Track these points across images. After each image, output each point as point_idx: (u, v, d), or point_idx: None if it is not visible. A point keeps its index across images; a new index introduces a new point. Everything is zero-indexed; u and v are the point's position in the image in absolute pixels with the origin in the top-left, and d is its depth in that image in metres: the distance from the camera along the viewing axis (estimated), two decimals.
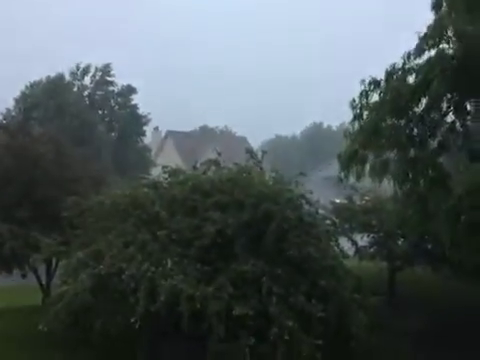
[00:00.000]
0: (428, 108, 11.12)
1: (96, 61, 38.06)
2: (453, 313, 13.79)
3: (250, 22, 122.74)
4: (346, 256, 12.27)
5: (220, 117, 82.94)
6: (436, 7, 11.46)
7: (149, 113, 39.50)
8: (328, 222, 12.69)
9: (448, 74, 10.26)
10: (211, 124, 71.55)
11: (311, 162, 60.28)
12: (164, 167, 13.07)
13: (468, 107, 11.49)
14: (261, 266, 10.22)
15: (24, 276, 14.49)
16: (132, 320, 9.46)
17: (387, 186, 12.42)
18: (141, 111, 38.81)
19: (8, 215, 13.68)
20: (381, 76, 11.39)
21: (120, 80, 38.39)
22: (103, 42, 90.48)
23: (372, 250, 15.56)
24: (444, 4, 11.36)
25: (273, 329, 9.43)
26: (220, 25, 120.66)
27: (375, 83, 11.41)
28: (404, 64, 11.24)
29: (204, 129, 70.42)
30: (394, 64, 11.31)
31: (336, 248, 11.87)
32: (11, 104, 37.27)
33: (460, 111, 11.29)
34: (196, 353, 9.85)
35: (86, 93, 38.18)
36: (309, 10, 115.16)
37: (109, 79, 37.82)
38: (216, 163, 12.75)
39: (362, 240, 15.78)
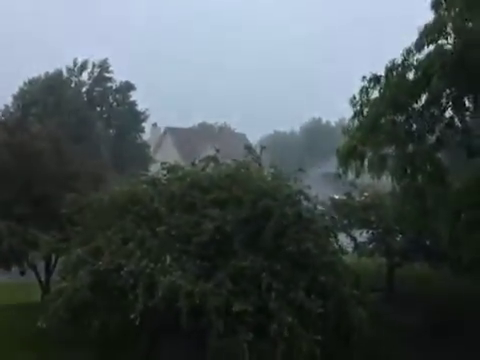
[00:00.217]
0: (427, 104, 11.12)
1: (94, 57, 37.99)
2: (451, 309, 13.82)
3: (250, 17, 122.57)
4: (345, 252, 12.28)
5: (219, 114, 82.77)
6: (436, 6, 11.45)
7: (147, 109, 39.47)
8: (327, 218, 12.68)
9: (447, 70, 10.25)
10: (210, 121, 71.53)
11: (310, 158, 60.25)
12: (163, 163, 13.04)
13: (467, 103, 11.48)
14: (260, 262, 10.21)
15: (23, 273, 14.48)
16: (132, 316, 9.45)
17: (386, 182, 12.43)
18: (139, 107, 38.78)
19: (6, 212, 13.66)
20: (380, 72, 11.40)
21: (118, 76, 38.36)
22: (101, 38, 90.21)
23: (371, 246, 15.57)
24: (444, 3, 11.35)
25: (273, 325, 9.44)
26: (220, 21, 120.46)
27: (375, 79, 11.40)
28: (404, 60, 11.24)
29: (203, 125, 70.35)
30: (394, 60, 11.31)
31: (335, 244, 11.87)
32: (9, 101, 37.24)
33: (459, 107, 11.29)
34: (195, 349, 9.86)
35: (84, 89, 38.10)
36: (310, 5, 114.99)
37: (107, 75, 37.73)
38: (215, 159, 12.73)
39: (361, 236, 15.79)
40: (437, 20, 11.17)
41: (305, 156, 63.45)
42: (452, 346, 12.49)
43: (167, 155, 38.51)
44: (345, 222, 15.42)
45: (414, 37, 11.18)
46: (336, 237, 12.10)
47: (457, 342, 12.58)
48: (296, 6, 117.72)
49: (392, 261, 15.58)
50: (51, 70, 36.96)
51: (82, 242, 11.31)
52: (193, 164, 13.14)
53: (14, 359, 11.42)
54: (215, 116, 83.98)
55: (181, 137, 54.01)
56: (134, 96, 38.69)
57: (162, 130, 56.80)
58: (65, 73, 37.60)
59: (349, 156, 11.45)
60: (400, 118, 11.33)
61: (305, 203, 12.03)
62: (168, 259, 10.27)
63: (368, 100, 11.46)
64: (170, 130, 56.12)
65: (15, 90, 37.30)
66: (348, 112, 11.81)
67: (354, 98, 11.53)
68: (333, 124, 76.80)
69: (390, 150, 11.46)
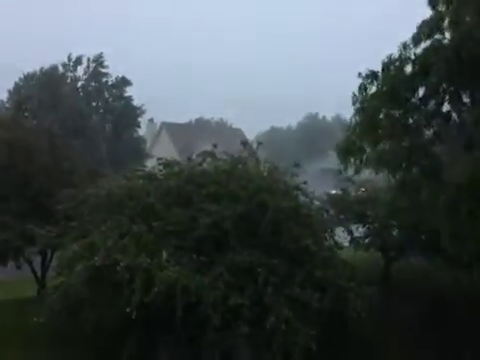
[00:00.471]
0: (425, 98, 11.12)
1: (90, 52, 37.82)
2: (447, 303, 13.85)
3: (249, 13, 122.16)
4: (340, 247, 12.30)
5: (216, 109, 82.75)
6: (433, 2, 11.44)
7: (144, 105, 39.33)
8: (323, 213, 12.69)
9: (444, 64, 10.25)
10: (206, 116, 71.41)
11: (307, 153, 60.19)
12: (159, 159, 13.03)
13: (464, 97, 11.48)
14: (257, 256, 10.23)
15: (19, 267, 14.44)
16: (127, 310, 9.45)
17: (384, 176, 12.45)
18: (136, 103, 38.65)
19: (3, 207, 13.61)
20: (377, 69, 11.40)
21: (115, 72, 38.20)
22: (97, 33, 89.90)
23: (367, 240, 15.59)
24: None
25: (270, 318, 9.45)
26: (218, 16, 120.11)
27: (373, 75, 11.40)
28: (401, 54, 11.24)
29: (199, 121, 70.20)
30: (391, 55, 11.31)
31: (331, 239, 11.89)
32: (5, 96, 37.07)
33: (456, 101, 11.28)
34: (191, 344, 9.86)
35: (79, 85, 37.93)
36: (307, 0, 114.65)
37: (103, 70, 37.56)
38: (211, 155, 12.72)
39: (357, 231, 15.81)
40: (434, 15, 11.17)
41: (302, 152, 63.38)
42: (448, 339, 12.53)
43: (163, 150, 38.39)
44: (341, 217, 15.43)
45: (411, 34, 11.18)
46: (332, 231, 12.11)
47: (453, 335, 12.62)
48: (294, 1, 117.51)
49: (388, 255, 15.61)
50: (47, 65, 36.82)
51: (78, 237, 11.29)
52: (189, 159, 13.12)
53: (9, 354, 11.39)
54: (212, 112, 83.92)
55: (177, 132, 53.91)
56: (130, 91, 38.59)
57: (158, 125, 56.71)
58: (60, 68, 37.44)
59: (348, 152, 11.46)
60: (397, 112, 11.33)
61: (302, 198, 12.05)
62: (164, 254, 10.28)
63: (366, 96, 11.47)
64: (166, 125, 56.01)
65: (11, 85, 37.16)
66: (344, 107, 11.82)
67: (354, 96, 11.53)
68: (330, 119, 76.81)
69: (387, 145, 11.46)
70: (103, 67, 37.79)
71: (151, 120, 54.55)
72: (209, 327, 9.43)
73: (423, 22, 11.03)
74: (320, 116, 78.28)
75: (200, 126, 64.30)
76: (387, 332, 12.47)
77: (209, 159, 12.67)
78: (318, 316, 9.94)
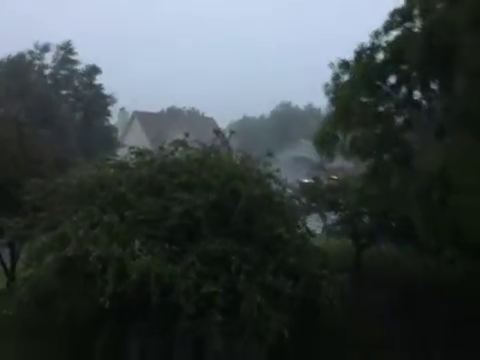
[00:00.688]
0: (396, 85, 11.24)
1: (58, 39, 37.10)
2: (418, 289, 14.08)
3: (220, 2, 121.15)
4: (313, 234, 12.39)
5: (188, 98, 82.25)
6: None
7: (115, 93, 38.81)
8: (296, 201, 12.75)
9: (415, 52, 10.35)
10: (179, 105, 70.84)
11: (280, 142, 60.37)
12: (131, 147, 12.88)
13: (433, 85, 11.63)
14: (230, 245, 10.23)
15: None
16: (100, 300, 9.36)
17: (356, 164, 12.55)
18: (107, 91, 38.11)
19: None
20: (347, 56, 11.47)
21: (85, 59, 37.54)
22: (67, 20, 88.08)
23: (338, 228, 15.75)
24: None
25: (242, 304, 9.47)
26: (189, 3, 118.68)
27: (345, 65, 11.46)
28: (373, 43, 11.32)
29: (172, 110, 69.63)
30: (362, 44, 11.38)
31: (304, 226, 11.96)
32: None
33: (426, 89, 11.43)
34: (164, 333, 9.83)
35: (48, 72, 37.18)
36: None
37: (72, 58, 36.88)
38: (183, 144, 12.62)
39: (330, 219, 15.93)
40: (405, 3, 11.26)
41: (274, 140, 63.57)
42: (419, 326, 12.77)
43: (135, 139, 38.04)
44: (313, 205, 15.53)
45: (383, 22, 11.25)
46: (305, 219, 12.19)
47: (424, 322, 12.86)
48: None
49: (359, 242, 15.80)
50: (14, 53, 35.94)
51: (47, 228, 11.10)
52: (161, 148, 13.00)
53: None
54: (184, 101, 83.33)
55: (149, 121, 53.50)
56: (101, 80, 38.01)
57: (130, 114, 56.13)
58: (28, 56, 36.59)
59: (323, 141, 11.54)
60: (369, 100, 11.44)
61: (275, 186, 12.07)
62: (137, 244, 10.20)
63: (340, 85, 11.54)
64: (138, 114, 55.51)
65: None
66: (317, 96, 11.88)
67: (327, 85, 11.58)
68: (302, 108, 77.14)
69: (359, 133, 11.57)
70: (72, 54, 37.10)
71: (123, 109, 54.01)
72: (182, 316, 9.41)
73: (394, 10, 11.12)
74: (293, 105, 78.54)
75: (172, 115, 63.78)
76: (358, 319, 12.62)
77: (181, 148, 12.57)
78: (290, 303, 10.01)
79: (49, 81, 37.07)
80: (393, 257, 15.63)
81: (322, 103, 12.21)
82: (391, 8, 11.19)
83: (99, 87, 37.78)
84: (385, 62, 11.01)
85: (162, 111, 66.19)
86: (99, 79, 37.78)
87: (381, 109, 11.53)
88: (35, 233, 11.33)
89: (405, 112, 11.57)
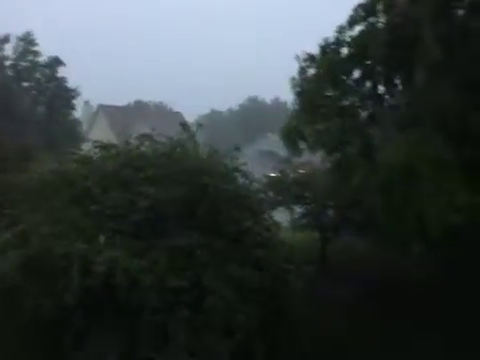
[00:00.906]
0: (360, 80, 11.38)
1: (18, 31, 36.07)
2: (381, 281, 14.32)
3: None
4: (279, 227, 12.47)
5: (155, 92, 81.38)
6: None
7: (79, 86, 38.08)
8: (262, 195, 12.82)
9: (378, 47, 10.50)
10: (146, 99, 70.10)
11: (246, 136, 60.49)
12: (95, 141, 12.67)
13: (396, 80, 11.83)
14: (196, 239, 10.21)
15: None
16: (65, 296, 9.23)
17: (322, 157, 12.66)
18: (70, 84, 37.36)
19: None
20: (314, 50, 11.56)
21: (47, 51, 36.67)
22: (29, 12, 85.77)
23: (304, 221, 15.91)
24: None
25: (208, 298, 9.48)
26: (157, 0, 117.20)
27: (310, 58, 11.55)
28: (337, 37, 11.43)
29: (138, 104, 68.87)
30: (327, 38, 11.48)
31: (270, 219, 12.04)
32: None
33: (389, 83, 11.62)
34: (130, 329, 9.77)
35: (8, 64, 36.17)
36: None
37: (33, 49, 35.97)
38: (149, 137, 12.51)
39: (296, 212, 16.08)
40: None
41: (242, 134, 63.69)
42: (383, 318, 12.98)
43: (101, 133, 37.43)
44: (279, 198, 15.64)
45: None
46: (270, 213, 12.27)
47: (388, 313, 13.08)
48: None
49: (324, 235, 16.00)
50: None
51: (9, 225, 10.85)
52: (127, 142, 12.85)
53: None
54: (151, 94, 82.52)
55: (115, 115, 52.67)
56: (65, 73, 37.22)
57: (95, 108, 55.20)
58: None
59: (289, 135, 11.61)
60: (334, 94, 11.56)
61: (241, 180, 12.09)
62: (102, 239, 10.09)
63: (306, 79, 11.62)
64: (104, 108, 54.58)
65: None
66: (283, 90, 11.95)
67: (294, 79, 11.65)
68: (269, 102, 77.39)
69: (324, 126, 11.68)
70: (33, 45, 36.19)
71: (87, 102, 53.01)
72: (147, 310, 9.37)
73: (358, 5, 11.24)
74: (260, 99, 78.76)
75: (139, 109, 63.07)
76: (324, 312, 12.77)
77: (147, 142, 12.45)
78: (257, 296, 10.07)
79: (10, 73, 36.11)
80: (358, 250, 15.88)
81: (289, 97, 12.30)
82: (356, 2, 11.33)
83: (62, 80, 37.00)
84: (350, 57, 11.15)
85: (128, 105, 65.39)
86: (63, 72, 37.03)
87: (346, 103, 11.67)
88: None
89: (369, 106, 11.75)
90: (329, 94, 11.55)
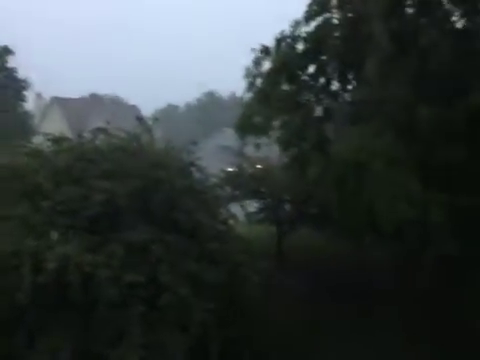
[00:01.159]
0: (314, 75, 11.49)
1: None
2: (337, 274, 14.55)
3: None
4: (236, 220, 12.49)
5: (111, 85, 79.88)
6: None
7: (29, 77, 36.93)
8: (218, 189, 12.80)
9: (332, 43, 10.63)
10: (101, 92, 68.70)
11: (203, 130, 60.30)
12: (47, 134, 12.31)
13: (350, 75, 12.00)
14: (151, 233, 10.11)
15: None
16: (18, 295, 8.98)
17: (279, 152, 12.72)
18: (21, 75, 36.17)
19: None
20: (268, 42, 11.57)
21: None
22: None
23: (261, 215, 16.02)
24: None
25: (163, 295, 9.41)
26: None
27: (265, 50, 11.56)
28: (293, 32, 11.49)
29: (93, 97, 67.45)
30: (283, 31, 11.52)
31: (227, 214, 12.04)
32: None
33: (343, 79, 11.78)
34: (84, 325, 9.59)
35: None
36: None
37: None
38: (104, 131, 12.26)
39: (253, 206, 16.16)
40: None
41: (199, 129, 63.46)
42: (340, 310, 13.17)
43: (54, 126, 36.49)
44: (236, 193, 15.67)
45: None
46: (226, 207, 12.28)
47: (345, 306, 13.26)
48: None
49: (281, 229, 16.14)
50: None
51: None
52: (81, 136, 12.56)
53: None
54: (107, 87, 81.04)
55: (70, 108, 51.53)
56: (16, 64, 36.00)
57: (48, 100, 53.76)
58: None
59: (245, 129, 11.61)
60: (290, 88, 11.63)
61: (197, 175, 12.04)
62: (54, 235, 9.85)
63: (260, 71, 11.63)
64: (57, 100, 53.26)
65: None
66: (240, 85, 11.93)
67: (248, 70, 11.63)
68: (226, 97, 77.38)
69: (279, 121, 11.74)
70: None
71: (39, 94, 51.61)
72: (101, 306, 9.22)
73: (313, 0, 11.32)
74: (216, 94, 78.63)
75: (94, 102, 61.81)
76: (280, 306, 12.86)
77: (102, 136, 12.20)
78: (213, 291, 10.06)
79: None
80: (314, 243, 16.08)
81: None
82: None
83: (12, 70, 35.84)
84: (305, 52, 11.23)
85: (83, 97, 64.02)
86: (14, 62, 35.87)
87: (301, 98, 11.76)
88: None
89: (324, 101, 11.88)
90: (285, 89, 11.60)
